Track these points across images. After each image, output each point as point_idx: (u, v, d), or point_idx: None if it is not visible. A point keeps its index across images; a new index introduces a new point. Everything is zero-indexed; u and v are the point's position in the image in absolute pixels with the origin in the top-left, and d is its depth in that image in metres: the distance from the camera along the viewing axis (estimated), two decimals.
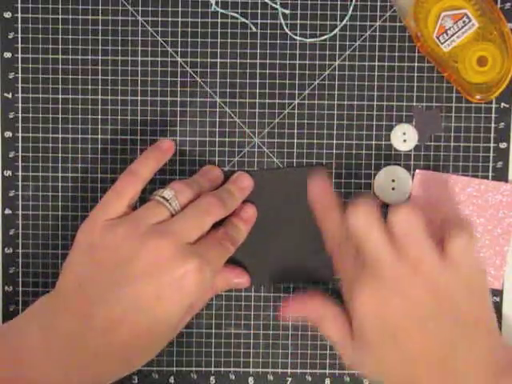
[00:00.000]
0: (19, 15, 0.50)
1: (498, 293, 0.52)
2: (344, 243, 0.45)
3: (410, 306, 0.42)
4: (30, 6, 0.50)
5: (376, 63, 0.51)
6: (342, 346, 0.45)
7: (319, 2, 0.50)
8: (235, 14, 0.50)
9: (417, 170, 0.51)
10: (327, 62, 0.51)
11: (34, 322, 0.43)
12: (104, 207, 0.45)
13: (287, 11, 0.50)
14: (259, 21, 0.51)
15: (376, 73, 0.51)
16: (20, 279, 0.52)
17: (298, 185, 0.51)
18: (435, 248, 0.43)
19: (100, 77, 0.51)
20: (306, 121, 0.51)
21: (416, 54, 0.51)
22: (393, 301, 0.42)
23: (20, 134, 0.51)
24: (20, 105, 0.51)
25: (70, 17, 0.50)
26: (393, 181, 0.51)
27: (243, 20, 0.51)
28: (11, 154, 0.51)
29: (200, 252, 0.43)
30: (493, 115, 0.51)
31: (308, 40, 0.51)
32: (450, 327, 0.42)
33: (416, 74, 0.51)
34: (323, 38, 0.51)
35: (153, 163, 0.47)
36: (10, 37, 0.51)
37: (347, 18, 0.50)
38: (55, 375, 0.42)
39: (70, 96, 0.51)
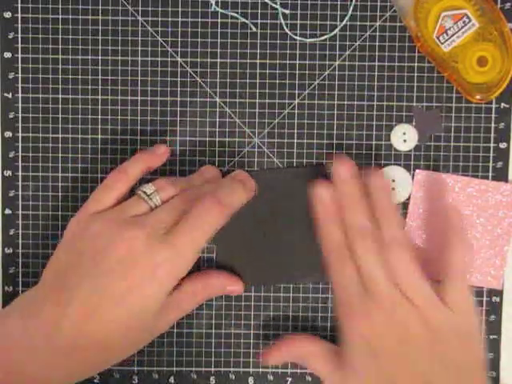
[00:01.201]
0: (19, 15, 0.50)
1: (498, 293, 0.51)
2: (343, 254, 0.46)
3: (399, 331, 0.43)
4: (30, 5, 0.50)
5: (376, 63, 0.51)
6: (331, 380, 0.46)
7: (319, 2, 0.50)
8: (235, 14, 0.50)
9: (417, 170, 0.51)
10: (327, 62, 0.51)
11: (17, 310, 0.44)
12: (92, 201, 0.46)
13: (287, 11, 0.50)
14: (259, 21, 0.51)
15: (376, 73, 0.51)
16: (20, 279, 0.52)
17: (298, 184, 0.51)
18: (432, 287, 0.44)
19: (100, 77, 0.51)
20: (306, 121, 0.51)
21: (416, 54, 0.51)
22: (385, 325, 0.43)
23: (20, 134, 0.51)
24: (20, 105, 0.51)
25: (70, 17, 0.50)
26: (393, 181, 0.51)
27: (243, 20, 0.50)
28: (11, 154, 0.51)
29: (173, 242, 0.43)
30: (493, 115, 0.51)
31: (308, 40, 0.51)
32: (433, 366, 0.42)
33: (416, 74, 0.51)
34: (323, 38, 0.51)
35: (142, 165, 0.48)
36: (9, 37, 0.51)
37: (347, 18, 0.50)
38: (34, 362, 0.42)
39: (70, 96, 0.51)
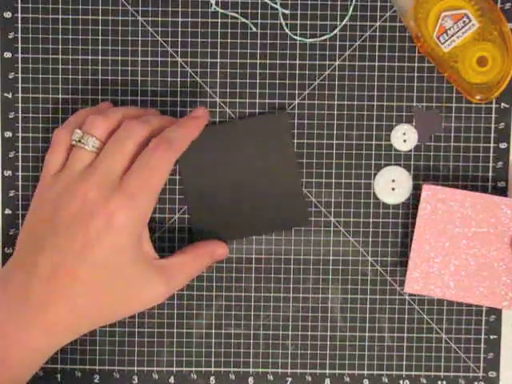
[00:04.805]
0: (19, 15, 0.50)
1: None
2: None
3: None
4: (30, 5, 0.50)
5: (376, 63, 0.51)
6: None
7: (319, 2, 0.50)
8: (235, 14, 0.50)
9: (424, 185, 0.49)
10: (327, 62, 0.51)
11: None
12: (45, 165, 0.46)
13: (287, 11, 0.50)
14: (259, 21, 0.51)
15: (376, 73, 0.51)
16: None
17: (267, 132, 0.50)
18: None
19: (100, 77, 0.51)
20: (306, 121, 0.51)
21: (416, 54, 0.51)
22: None
23: (20, 134, 0.51)
24: (20, 105, 0.51)
25: (70, 17, 0.50)
26: (393, 181, 0.51)
27: (243, 20, 0.50)
28: (11, 154, 0.51)
29: (126, 188, 0.43)
30: (493, 115, 0.51)
31: (308, 40, 0.51)
32: None
33: (416, 74, 0.51)
34: (323, 38, 0.51)
35: (84, 115, 0.46)
36: (9, 37, 0.51)
37: (347, 18, 0.50)
38: (12, 323, 0.43)
39: (70, 96, 0.51)
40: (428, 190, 0.49)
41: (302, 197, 0.51)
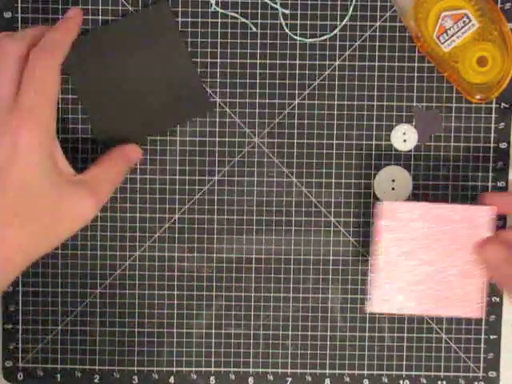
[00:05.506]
0: (19, 15, 0.50)
1: (498, 293, 0.52)
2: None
3: None
4: (30, 6, 0.50)
5: (376, 63, 0.51)
6: None
7: (319, 2, 0.50)
8: (235, 14, 0.50)
9: (377, 205, 0.47)
10: (327, 62, 0.51)
11: None
12: None
13: (287, 11, 0.50)
14: (259, 21, 0.51)
15: (376, 73, 0.51)
16: (20, 279, 0.52)
17: (151, 25, 0.50)
18: None
19: None
20: (306, 121, 0.51)
21: (416, 54, 0.51)
22: None
23: None
24: None
25: None
26: (393, 181, 0.51)
27: (243, 20, 0.51)
28: None
29: (19, 106, 0.42)
30: (493, 115, 0.51)
31: (308, 40, 0.51)
32: None
33: (416, 74, 0.51)
34: (323, 38, 0.51)
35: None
36: None
37: (347, 18, 0.50)
38: None
39: (70, 96, 0.51)
40: (381, 208, 0.47)
41: (199, 83, 0.50)
